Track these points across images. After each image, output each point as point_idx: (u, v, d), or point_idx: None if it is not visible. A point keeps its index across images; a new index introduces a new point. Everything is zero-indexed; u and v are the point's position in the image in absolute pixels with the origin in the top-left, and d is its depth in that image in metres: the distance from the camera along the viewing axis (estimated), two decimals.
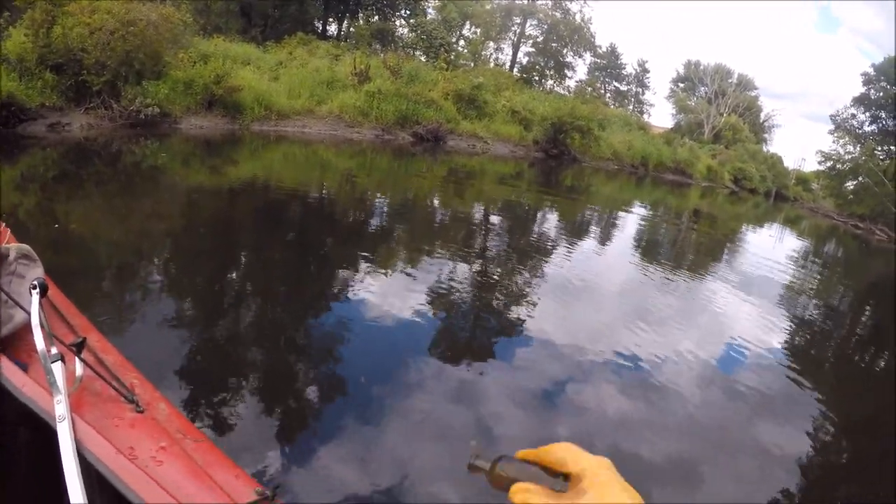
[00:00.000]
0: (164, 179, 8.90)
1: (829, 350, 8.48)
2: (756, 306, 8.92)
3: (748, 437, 4.57)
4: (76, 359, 1.37)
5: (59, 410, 1.19)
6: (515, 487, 0.61)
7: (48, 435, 1.17)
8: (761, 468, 4.08)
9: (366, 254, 6.75)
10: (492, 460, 0.65)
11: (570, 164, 24.54)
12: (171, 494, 1.07)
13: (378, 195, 11.02)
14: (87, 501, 1.01)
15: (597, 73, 48.09)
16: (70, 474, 1.05)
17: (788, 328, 8.38)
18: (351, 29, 28.50)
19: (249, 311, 4.69)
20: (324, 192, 10.34)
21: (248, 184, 9.42)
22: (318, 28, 27.19)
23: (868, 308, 13.14)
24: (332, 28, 28.79)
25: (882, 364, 8.58)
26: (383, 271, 6.12)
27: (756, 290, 10.04)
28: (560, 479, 0.60)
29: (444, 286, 6.06)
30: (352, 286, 5.55)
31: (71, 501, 1.01)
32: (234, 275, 5.56)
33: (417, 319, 4.98)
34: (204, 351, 3.81)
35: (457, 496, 2.80)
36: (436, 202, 11.55)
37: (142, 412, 1.35)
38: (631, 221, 15.77)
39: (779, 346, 7.30)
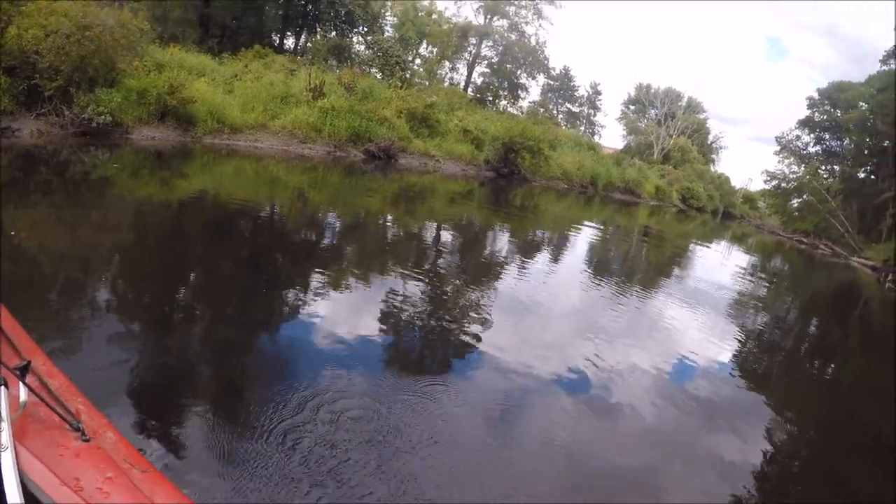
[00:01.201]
0: (114, 191, 8.96)
1: (776, 358, 8.86)
2: (705, 319, 9.27)
3: (702, 445, 4.80)
4: (20, 384, 1.34)
5: (2, 439, 1.16)
6: None
7: None
8: (716, 475, 4.30)
9: (317, 272, 6.77)
10: None
11: (521, 183, 25.22)
12: None
13: (329, 212, 11.08)
14: None
15: (550, 95, 49.70)
16: None
17: (737, 339, 8.79)
18: (308, 44, 28.64)
19: (198, 331, 4.66)
20: (275, 208, 10.42)
21: (198, 198, 9.50)
22: (275, 41, 27.27)
23: (813, 318, 13.95)
24: (290, 42, 28.98)
25: (827, 370, 9.16)
26: (334, 290, 6.16)
27: (705, 303, 10.43)
28: None
29: (395, 304, 6.12)
30: (302, 305, 5.58)
31: None
32: (182, 292, 5.55)
33: (368, 338, 5.03)
34: (152, 373, 3.77)
35: None
36: (387, 220, 11.80)
37: (88, 441, 1.31)
38: (581, 239, 16.27)
39: (728, 357, 7.68)
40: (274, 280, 6.32)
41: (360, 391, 4.01)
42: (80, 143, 11.12)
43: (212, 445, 3.09)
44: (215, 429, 3.24)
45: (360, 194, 13.69)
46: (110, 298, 4.84)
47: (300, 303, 5.65)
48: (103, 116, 11.52)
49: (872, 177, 33.41)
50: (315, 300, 5.73)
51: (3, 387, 1.25)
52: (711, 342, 7.96)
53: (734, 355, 7.83)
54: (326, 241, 8.89)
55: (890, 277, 23.72)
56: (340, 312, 5.50)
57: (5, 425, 1.18)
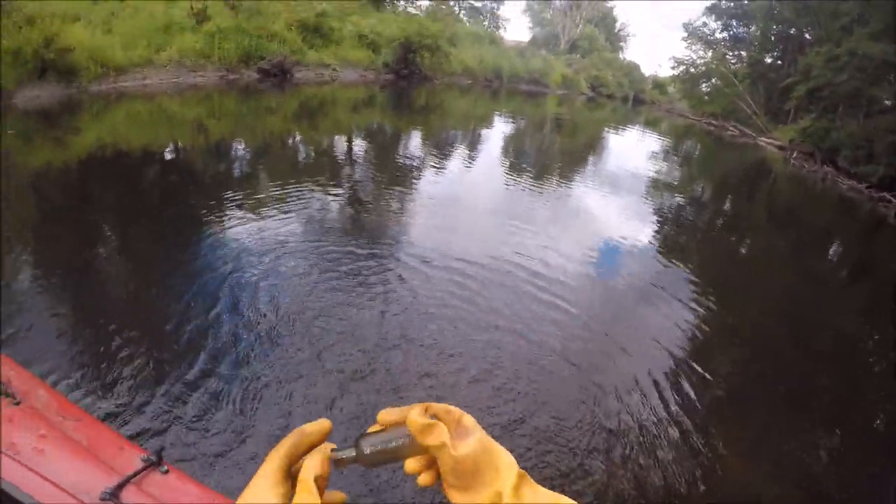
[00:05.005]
0: (6, 163, 7.54)
1: (695, 234, 9.65)
2: (625, 203, 9.99)
3: (640, 318, 5.41)
4: None
5: None
6: (426, 430, 0.59)
7: None
8: (658, 341, 4.96)
9: (234, 201, 6.75)
10: (353, 446, 0.63)
11: (422, 82, 25.61)
12: (54, 482, 1.07)
13: (233, 140, 10.81)
14: None
15: None
16: None
17: (656, 219, 9.49)
18: None
19: (122, 279, 4.67)
20: (178, 146, 9.96)
21: (96, 152, 8.68)
22: None
23: (727, 195, 15.11)
24: None
25: (745, 242, 10.05)
26: (254, 216, 6.22)
27: (623, 187, 11.27)
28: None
29: (316, 219, 6.37)
30: (223, 235, 5.64)
31: None
32: (101, 249, 5.32)
33: (299, 254, 5.28)
34: (78, 323, 3.80)
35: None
36: (293, 138, 11.93)
37: (18, 403, 1.30)
38: (492, 134, 16.95)
39: (650, 236, 8.33)
40: (191, 219, 6.14)
41: (300, 308, 4.31)
42: None
43: (143, 385, 3.26)
44: (146, 370, 3.40)
45: (261, 116, 13.67)
46: (31, 259, 4.76)
47: (222, 233, 5.71)
48: None
49: (779, 62, 35.25)
50: (237, 230, 5.77)
51: None
52: (631, 225, 8.59)
53: (653, 234, 8.50)
54: (238, 169, 8.84)
55: (794, 155, 25.79)
56: (265, 238, 5.62)
57: None
